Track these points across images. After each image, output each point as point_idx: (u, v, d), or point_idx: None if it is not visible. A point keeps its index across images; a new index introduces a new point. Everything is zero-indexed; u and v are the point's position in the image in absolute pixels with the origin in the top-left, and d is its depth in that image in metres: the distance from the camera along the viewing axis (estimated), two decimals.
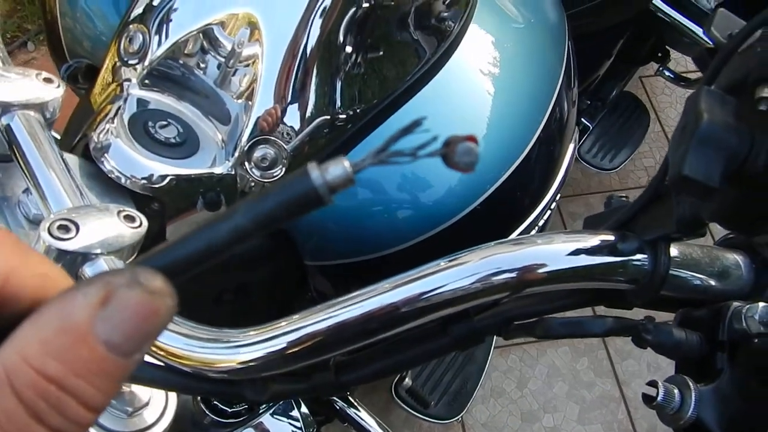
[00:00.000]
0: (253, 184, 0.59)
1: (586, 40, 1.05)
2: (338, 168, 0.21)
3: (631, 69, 1.67)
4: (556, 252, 0.37)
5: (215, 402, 0.78)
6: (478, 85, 0.69)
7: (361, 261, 0.65)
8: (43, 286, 0.21)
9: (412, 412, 1.25)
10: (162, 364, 0.42)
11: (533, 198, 0.74)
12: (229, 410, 0.78)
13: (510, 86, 0.72)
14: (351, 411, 0.92)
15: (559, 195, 0.79)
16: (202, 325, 0.42)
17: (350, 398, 0.92)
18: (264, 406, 0.79)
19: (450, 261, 0.38)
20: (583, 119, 1.57)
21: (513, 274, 0.37)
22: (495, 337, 1.56)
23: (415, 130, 0.22)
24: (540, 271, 0.37)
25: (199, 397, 0.78)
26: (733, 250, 0.40)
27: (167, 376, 0.42)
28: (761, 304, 0.35)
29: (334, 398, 0.91)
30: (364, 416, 0.91)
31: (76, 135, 0.61)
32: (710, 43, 1.30)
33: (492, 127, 0.68)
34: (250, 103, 0.58)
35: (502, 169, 0.68)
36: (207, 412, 0.78)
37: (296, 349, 0.38)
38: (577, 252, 0.37)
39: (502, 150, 0.68)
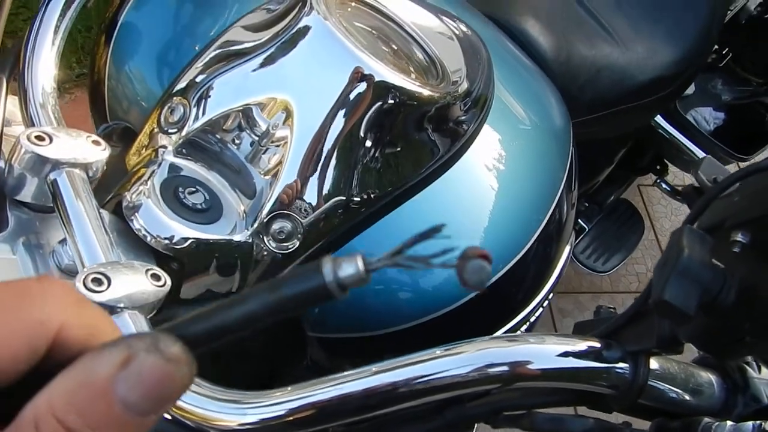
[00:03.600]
0: (266, 253, 0.63)
1: (589, 147, 1.11)
2: (351, 266, 0.21)
3: (630, 177, 1.73)
4: (547, 352, 0.41)
5: None
6: (485, 182, 0.74)
7: (359, 337, 0.69)
8: (92, 337, 0.23)
9: None
10: (168, 416, 0.45)
11: (527, 294, 0.78)
12: None
13: (515, 186, 0.76)
14: None
15: (552, 293, 0.83)
16: (211, 383, 0.45)
17: None
18: None
19: (449, 349, 0.42)
20: (580, 221, 1.63)
21: (505, 368, 0.40)
22: None
23: (433, 237, 0.22)
24: (530, 367, 0.40)
25: None
26: (708, 369, 0.43)
27: (171, 429, 0.44)
28: (729, 423, 0.38)
29: None
30: None
31: (107, 192, 0.66)
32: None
33: (495, 224, 0.73)
34: (274, 179, 0.62)
35: (500, 264, 0.72)
36: None
37: (298, 416, 0.41)
38: (565, 354, 0.41)
39: (503, 245, 0.73)
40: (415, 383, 0.41)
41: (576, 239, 1.62)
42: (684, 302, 0.33)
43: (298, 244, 0.63)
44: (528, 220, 0.76)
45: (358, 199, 0.65)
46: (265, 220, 0.62)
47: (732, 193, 0.35)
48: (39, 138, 0.51)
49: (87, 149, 0.54)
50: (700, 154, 1.42)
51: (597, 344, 0.42)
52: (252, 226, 0.62)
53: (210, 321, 0.22)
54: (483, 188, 0.74)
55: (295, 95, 0.62)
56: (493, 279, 0.70)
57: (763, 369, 0.44)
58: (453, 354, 0.41)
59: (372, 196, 0.66)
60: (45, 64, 0.64)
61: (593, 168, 1.47)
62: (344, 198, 0.65)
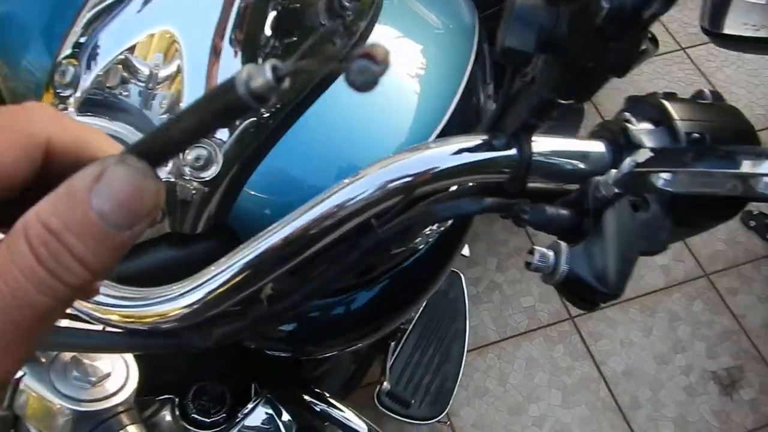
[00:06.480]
0: (194, 192, 0.64)
1: None
2: (260, 75, 0.22)
3: None
4: (443, 153, 0.43)
5: (194, 414, 0.81)
6: (389, 74, 0.76)
7: None
8: (81, 149, 0.27)
9: (397, 416, 1.28)
10: (121, 330, 0.47)
11: None
12: (208, 420, 0.81)
13: (421, 77, 0.78)
14: (333, 411, 0.94)
15: None
16: (146, 288, 0.46)
17: (329, 399, 0.95)
18: (243, 413, 0.82)
19: (356, 176, 0.44)
20: None
21: (408, 178, 0.42)
22: (466, 338, 1.56)
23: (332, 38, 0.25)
24: (431, 172, 0.43)
25: (177, 411, 0.81)
26: (597, 139, 0.46)
27: (127, 339, 0.46)
28: (613, 171, 0.41)
29: (313, 401, 0.94)
30: (346, 414, 0.94)
31: None
32: None
33: (402, 110, 0.74)
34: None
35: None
36: (186, 424, 0.80)
37: (230, 285, 0.43)
38: (459, 152, 0.43)
39: (413, 131, 0.75)
40: (329, 216, 0.43)
41: None
42: (523, 43, 0.36)
43: (218, 169, 0.64)
44: (435, 108, 0.78)
45: (267, 113, 0.67)
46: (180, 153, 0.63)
47: None
48: None
49: None
50: None
51: (485, 136, 0.45)
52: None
53: (158, 138, 0.24)
54: (388, 80, 0.76)
55: (178, 26, 0.63)
56: None
57: (641, 122, 0.47)
58: (359, 178, 0.43)
59: (279, 105, 0.67)
60: None
61: None
62: (255, 118, 0.66)
